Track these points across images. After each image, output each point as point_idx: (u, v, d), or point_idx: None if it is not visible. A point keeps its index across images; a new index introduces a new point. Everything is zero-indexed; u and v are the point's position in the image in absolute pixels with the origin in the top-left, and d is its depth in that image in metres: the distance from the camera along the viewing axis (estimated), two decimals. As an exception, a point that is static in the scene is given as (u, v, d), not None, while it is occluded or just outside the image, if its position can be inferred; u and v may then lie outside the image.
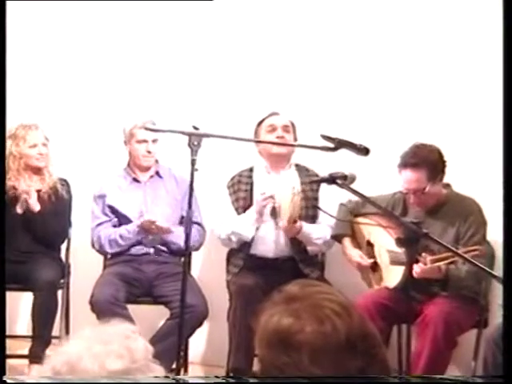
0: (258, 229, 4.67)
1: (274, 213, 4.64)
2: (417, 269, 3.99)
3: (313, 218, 4.70)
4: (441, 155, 4.30)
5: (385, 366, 1.76)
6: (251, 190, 4.75)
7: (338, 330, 1.71)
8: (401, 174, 4.30)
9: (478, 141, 4.70)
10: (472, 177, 4.63)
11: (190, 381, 2.17)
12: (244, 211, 4.71)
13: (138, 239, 4.79)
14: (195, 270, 4.96)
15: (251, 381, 1.86)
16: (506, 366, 2.64)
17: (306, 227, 4.61)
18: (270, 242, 4.69)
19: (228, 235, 4.70)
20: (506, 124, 3.00)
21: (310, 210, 4.70)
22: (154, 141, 4.81)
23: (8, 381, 1.88)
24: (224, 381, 2.00)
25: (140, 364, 1.76)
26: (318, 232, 4.66)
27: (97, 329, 1.82)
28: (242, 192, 4.75)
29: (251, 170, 4.82)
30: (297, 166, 4.80)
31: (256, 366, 1.73)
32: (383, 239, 4.37)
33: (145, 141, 4.80)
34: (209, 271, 5.00)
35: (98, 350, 1.75)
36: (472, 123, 4.72)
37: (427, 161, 4.24)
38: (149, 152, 4.83)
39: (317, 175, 4.71)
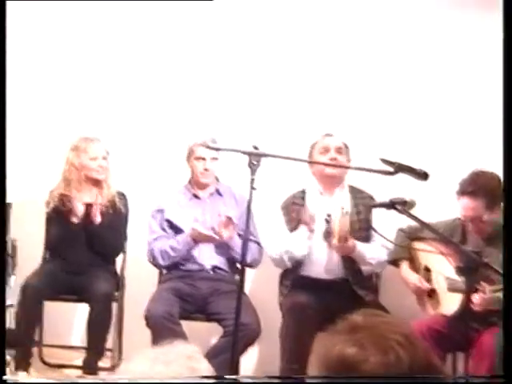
0: (310, 250, 4.66)
1: (327, 234, 4.63)
2: (476, 299, 3.94)
3: (367, 239, 4.69)
4: (500, 183, 4.25)
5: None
6: (304, 211, 4.73)
7: (402, 360, 1.70)
8: (459, 200, 4.27)
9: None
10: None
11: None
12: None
13: (193, 254, 4.81)
14: (249, 288, 4.96)
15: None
16: (506, 365, 2.61)
17: (360, 246, 4.60)
18: (322, 263, 4.68)
19: (280, 254, 4.70)
20: (505, 124, 2.97)
21: (363, 232, 4.68)
22: (213, 159, 4.83)
23: (8, 381, 1.89)
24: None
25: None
26: (371, 251, 4.64)
27: (160, 349, 1.84)
28: (295, 213, 4.74)
29: (304, 191, 4.82)
30: (351, 187, 4.79)
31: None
32: (441, 265, 4.33)
33: (203, 158, 4.84)
34: (262, 290, 4.99)
35: (160, 369, 1.76)
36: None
37: (486, 189, 4.19)
38: (206, 169, 4.86)
39: (371, 197, 4.70)
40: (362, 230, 4.69)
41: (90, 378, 1.60)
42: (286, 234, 4.72)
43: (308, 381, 1.72)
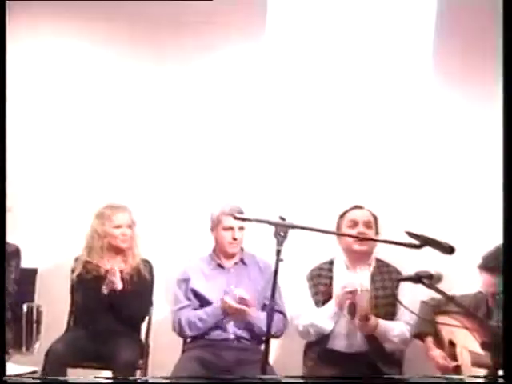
0: (336, 323, 4.67)
1: (351, 309, 4.63)
2: (500, 374, 3.92)
3: (392, 315, 4.69)
4: None
5: None
6: (331, 284, 4.75)
7: None
8: (481, 275, 4.29)
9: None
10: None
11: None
12: (323, 305, 4.71)
13: (218, 324, 4.82)
14: (273, 359, 4.95)
15: None
16: (505, 365, 2.59)
17: (383, 324, 4.59)
18: (346, 338, 4.68)
19: (306, 327, 4.71)
20: (505, 125, 2.98)
21: (389, 307, 4.68)
22: (241, 228, 4.87)
23: (8, 381, 1.90)
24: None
25: None
26: (395, 329, 4.63)
27: None
28: (321, 286, 4.76)
29: (331, 262, 4.84)
30: (377, 260, 4.80)
31: None
32: (465, 340, 4.31)
33: (231, 228, 4.87)
34: (287, 361, 4.98)
35: None
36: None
37: None
38: (234, 239, 4.89)
39: (398, 271, 4.70)
40: (388, 305, 4.69)
41: (91, 379, 1.61)
42: (312, 306, 4.73)
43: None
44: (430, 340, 4.56)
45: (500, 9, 3.48)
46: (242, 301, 4.71)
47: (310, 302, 4.76)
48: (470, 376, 3.83)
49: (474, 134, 5.07)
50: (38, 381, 1.65)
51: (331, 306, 4.64)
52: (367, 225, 4.73)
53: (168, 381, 1.81)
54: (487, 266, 4.23)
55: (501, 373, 2.75)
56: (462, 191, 4.98)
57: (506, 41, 3.20)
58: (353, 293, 4.57)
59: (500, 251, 4.26)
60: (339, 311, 4.62)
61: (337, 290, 4.65)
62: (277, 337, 4.81)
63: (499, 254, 4.24)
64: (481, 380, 3.42)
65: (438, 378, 1.66)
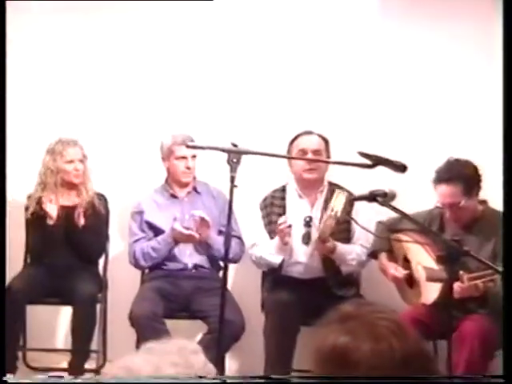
0: (291, 252, 4.69)
1: (306, 237, 4.66)
2: (456, 287, 4.00)
3: (347, 239, 4.73)
4: (476, 170, 4.32)
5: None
6: (284, 213, 4.75)
7: (394, 348, 1.74)
8: (436, 189, 4.33)
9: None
10: None
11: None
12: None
13: (169, 251, 4.83)
14: (231, 285, 4.98)
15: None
16: (506, 366, 2.65)
17: (340, 247, 4.64)
18: (303, 265, 4.71)
19: (258, 259, 4.75)
20: (505, 124, 3.01)
21: (343, 232, 4.72)
22: (193, 157, 4.85)
23: (8, 381, 1.91)
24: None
25: (196, 373, 1.80)
26: (352, 252, 4.68)
27: (157, 343, 1.87)
28: (274, 215, 4.76)
29: (284, 189, 4.84)
30: (329, 184, 4.81)
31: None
32: (420, 256, 4.38)
33: (184, 157, 4.85)
34: (245, 286, 5.02)
35: (155, 358, 1.79)
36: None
37: (462, 175, 4.27)
38: (188, 168, 4.87)
39: (350, 193, 4.72)
40: (342, 231, 4.71)
41: (91, 378, 1.62)
42: (265, 237, 4.75)
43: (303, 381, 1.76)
44: (383, 256, 4.62)
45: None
46: (202, 222, 4.70)
47: (263, 231, 4.78)
48: (470, 376, 3.89)
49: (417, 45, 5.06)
50: (39, 381, 1.64)
51: (278, 242, 4.66)
52: (316, 152, 4.70)
53: (172, 380, 1.81)
54: (442, 178, 4.27)
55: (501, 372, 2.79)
56: (409, 107, 4.97)
57: (506, 41, 3.18)
58: (310, 220, 4.59)
59: (452, 163, 4.32)
60: (284, 246, 4.63)
61: (286, 226, 4.64)
62: (235, 261, 4.84)
63: (452, 166, 4.30)
64: (480, 380, 3.48)
65: (438, 378, 1.69)
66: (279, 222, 4.59)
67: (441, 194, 4.32)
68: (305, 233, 4.65)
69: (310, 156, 4.69)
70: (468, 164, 4.33)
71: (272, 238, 4.73)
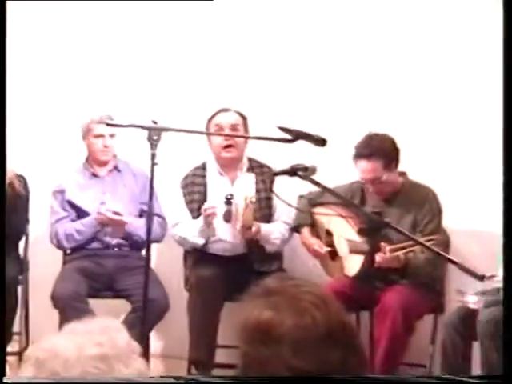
0: (212, 231, 4.69)
1: (227, 215, 4.64)
2: (377, 259, 4.05)
3: (269, 216, 4.74)
4: (394, 143, 4.38)
5: (363, 357, 1.82)
6: (205, 191, 4.75)
7: (318, 322, 1.75)
8: (356, 164, 4.38)
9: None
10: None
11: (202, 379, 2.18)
12: (198, 213, 4.70)
13: (96, 233, 4.80)
14: (154, 264, 4.96)
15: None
16: (506, 366, 2.69)
17: (264, 228, 4.64)
18: (225, 242, 4.72)
19: (180, 239, 4.74)
20: (505, 123, 3.04)
21: (265, 210, 4.73)
22: (112, 135, 4.80)
23: (8, 381, 1.89)
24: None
25: (120, 353, 1.78)
26: (275, 231, 4.69)
27: (81, 322, 1.85)
28: (195, 194, 4.75)
29: (204, 167, 4.82)
30: (250, 160, 4.81)
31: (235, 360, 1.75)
32: (342, 228, 4.44)
33: (102, 135, 4.79)
34: (168, 264, 5.01)
35: (79, 339, 1.78)
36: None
37: (381, 150, 4.32)
38: (106, 146, 4.82)
39: (271, 169, 4.73)
40: (264, 208, 4.73)
41: (92, 379, 1.60)
42: (186, 216, 4.74)
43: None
44: (306, 230, 4.66)
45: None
46: (116, 214, 4.69)
47: (185, 210, 4.76)
48: (469, 376, 3.93)
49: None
50: (39, 381, 1.60)
51: (200, 222, 4.65)
52: (234, 127, 4.69)
53: (175, 381, 1.79)
54: (362, 153, 4.32)
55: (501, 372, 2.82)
56: (330, 78, 4.98)
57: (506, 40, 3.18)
58: (231, 197, 4.60)
59: (371, 138, 4.36)
60: (208, 227, 4.63)
61: (210, 197, 4.65)
62: (157, 241, 4.82)
63: (371, 141, 4.34)
64: (479, 380, 3.50)
65: (439, 378, 1.69)
66: (205, 207, 4.58)
67: (362, 169, 4.36)
68: (226, 210, 4.64)
69: (227, 131, 4.67)
70: (386, 138, 4.38)
71: (193, 216, 4.72)
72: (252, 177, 4.63)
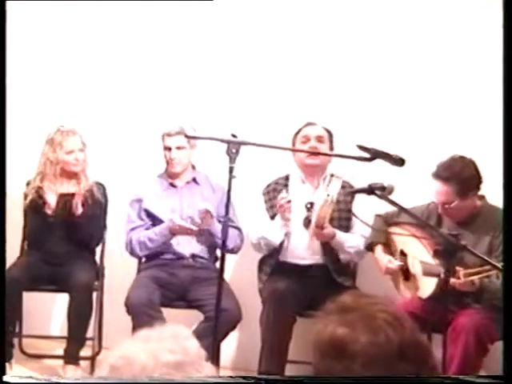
0: (290, 236, 4.72)
1: (307, 221, 4.68)
2: (452, 283, 4.01)
3: (347, 229, 4.75)
4: (477, 171, 4.29)
5: (436, 374, 1.82)
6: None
7: (391, 339, 1.76)
8: (433, 184, 4.34)
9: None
10: None
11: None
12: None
13: (167, 242, 4.85)
14: (229, 276, 5.00)
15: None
16: (506, 366, 2.66)
17: (339, 235, 4.66)
18: (302, 250, 4.73)
19: (258, 239, 4.76)
20: (506, 122, 3.02)
21: (343, 221, 4.74)
22: (179, 148, 4.85)
23: (8, 381, 1.92)
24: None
25: (192, 359, 1.82)
26: (350, 240, 4.70)
27: (153, 330, 1.89)
28: (276, 200, 4.79)
29: (287, 178, 4.87)
30: (332, 175, 4.82)
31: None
32: (417, 250, 4.40)
33: (169, 148, 4.87)
34: (242, 276, 5.04)
35: (152, 346, 1.81)
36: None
37: (460, 176, 4.24)
38: (171, 159, 4.88)
39: (351, 186, 4.74)
40: (342, 219, 4.74)
41: (92, 378, 1.62)
42: (265, 220, 4.78)
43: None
44: (379, 248, 4.64)
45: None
46: (206, 214, 4.72)
47: (265, 215, 4.79)
48: (470, 376, 3.91)
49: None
50: (39, 381, 1.65)
51: (277, 219, 4.69)
52: (319, 139, 4.74)
53: (244, 381, 1.83)
54: (440, 175, 4.28)
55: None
56: (409, 102, 4.97)
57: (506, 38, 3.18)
58: (311, 205, 4.60)
59: (455, 161, 4.31)
60: (285, 222, 4.66)
61: (285, 201, 4.66)
62: (234, 252, 4.86)
63: (453, 164, 4.29)
64: (480, 380, 3.47)
65: (439, 378, 1.70)
66: (279, 197, 4.62)
67: (435, 190, 4.33)
68: (305, 217, 4.68)
69: (312, 141, 4.72)
70: (470, 165, 4.29)
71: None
72: (337, 181, 4.61)
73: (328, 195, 4.44)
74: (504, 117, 3.22)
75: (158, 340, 1.84)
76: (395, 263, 4.51)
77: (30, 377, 1.09)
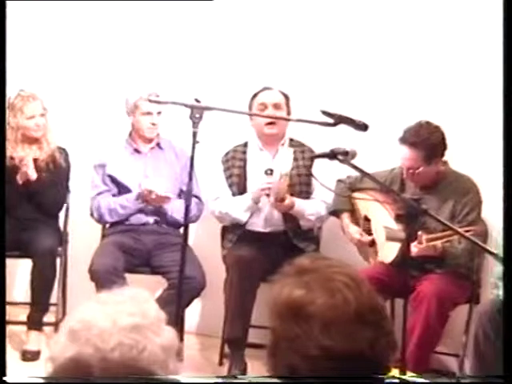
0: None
1: (268, 191, 4.66)
2: (413, 248, 4.04)
3: (307, 194, 4.76)
4: (443, 138, 4.32)
5: (392, 339, 1.82)
6: (245, 166, 4.79)
7: (349, 302, 1.76)
8: (399, 147, 4.35)
9: (478, 121, 4.71)
10: (471, 156, 4.67)
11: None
12: (238, 188, 4.75)
13: (137, 209, 4.83)
14: (193, 241, 4.99)
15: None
16: (506, 366, 2.67)
17: (299, 203, 4.66)
18: (263, 218, 4.74)
19: (223, 214, 4.76)
20: (506, 120, 3.01)
21: (304, 186, 4.75)
22: (159, 113, 4.84)
23: (8, 381, 1.90)
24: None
25: (151, 322, 1.81)
26: (311, 208, 4.71)
27: (111, 293, 1.88)
28: (235, 168, 4.78)
29: (245, 145, 4.85)
30: (291, 140, 4.81)
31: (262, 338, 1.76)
32: (380, 215, 4.42)
33: (150, 113, 4.83)
34: (206, 243, 5.04)
35: (111, 309, 1.80)
36: (472, 105, 4.73)
37: (427, 142, 4.26)
38: (153, 124, 4.86)
39: (311, 150, 4.74)
40: (303, 184, 4.75)
41: (94, 378, 1.61)
42: (228, 192, 4.76)
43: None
44: (346, 216, 4.65)
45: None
46: (152, 194, 4.72)
47: (224, 184, 4.78)
48: (468, 376, 3.94)
49: None
50: (38, 381, 1.63)
51: (247, 198, 4.68)
52: (276, 106, 4.71)
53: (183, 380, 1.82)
54: (407, 140, 4.29)
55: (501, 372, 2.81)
56: (377, 66, 4.95)
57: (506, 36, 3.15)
58: (271, 172, 4.62)
59: (422, 127, 4.32)
60: (255, 205, 4.67)
61: (250, 172, 4.67)
62: (192, 221, 4.85)
63: (420, 130, 4.30)
64: (480, 380, 3.49)
65: (438, 378, 1.70)
66: (264, 181, 4.61)
67: (402, 155, 4.34)
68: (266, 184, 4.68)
69: (270, 109, 4.70)
70: (437, 130, 4.32)
71: (232, 190, 4.76)
72: (290, 151, 4.63)
73: (283, 169, 4.47)
74: (504, 114, 3.13)
75: (116, 303, 1.83)
76: (367, 238, 4.53)
77: (30, 377, 1.08)
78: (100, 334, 1.75)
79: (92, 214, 4.92)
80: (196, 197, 4.82)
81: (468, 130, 4.71)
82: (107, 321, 1.77)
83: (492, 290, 4.20)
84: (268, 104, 4.71)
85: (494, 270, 4.21)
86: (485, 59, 4.63)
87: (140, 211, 4.85)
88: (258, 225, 4.75)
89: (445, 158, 4.43)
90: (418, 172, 4.32)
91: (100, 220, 4.92)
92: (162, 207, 4.83)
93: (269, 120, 4.68)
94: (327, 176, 4.52)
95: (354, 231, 4.59)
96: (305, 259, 1.87)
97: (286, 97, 4.76)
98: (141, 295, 1.88)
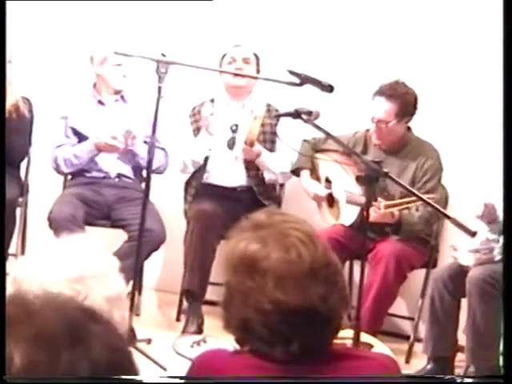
0: (215, 158, 4.73)
1: (232, 143, 4.70)
2: (371, 213, 4.07)
3: (271, 152, 4.77)
4: (416, 101, 4.37)
5: (344, 295, 1.85)
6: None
7: (303, 257, 1.78)
8: (373, 101, 4.37)
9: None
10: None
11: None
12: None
13: (92, 158, 4.79)
14: (154, 196, 4.98)
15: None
16: (506, 366, 2.70)
17: (265, 153, 4.69)
18: (226, 172, 4.76)
19: (183, 159, 4.77)
20: (506, 119, 3.02)
21: (268, 143, 4.77)
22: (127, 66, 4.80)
23: (8, 381, 1.91)
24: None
25: (99, 272, 1.81)
26: (275, 160, 4.74)
27: (57, 241, 1.88)
28: (201, 122, 4.77)
29: (212, 100, 4.84)
30: (258, 100, 4.83)
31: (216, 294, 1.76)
32: (341, 177, 4.45)
33: (120, 64, 4.79)
34: (167, 197, 5.04)
35: (56, 259, 1.80)
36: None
37: (402, 97, 4.33)
38: (124, 76, 4.83)
39: (276, 109, 4.75)
40: (267, 141, 4.76)
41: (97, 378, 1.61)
42: (190, 140, 4.77)
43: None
44: (306, 173, 4.67)
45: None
46: (128, 134, 4.67)
47: (190, 137, 4.78)
48: (469, 376, 3.95)
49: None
50: (38, 381, 1.62)
51: (202, 133, 4.68)
52: (245, 61, 4.76)
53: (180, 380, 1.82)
54: (384, 92, 4.32)
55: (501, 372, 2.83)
56: (345, 30, 4.94)
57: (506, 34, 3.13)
58: (236, 126, 4.64)
59: (399, 85, 4.35)
60: (209, 135, 4.66)
61: (206, 117, 4.66)
62: (160, 172, 4.84)
63: (397, 87, 4.33)
64: (480, 380, 3.51)
65: (439, 378, 1.70)
66: (203, 109, 4.62)
67: (376, 107, 4.36)
68: (230, 138, 4.70)
69: (239, 62, 4.74)
70: (412, 92, 4.38)
71: None
72: (263, 98, 4.63)
73: (252, 111, 4.52)
74: (504, 113, 3.13)
75: (62, 253, 1.83)
76: (324, 191, 4.56)
77: (30, 377, 1.08)
78: (40, 284, 1.74)
79: (52, 165, 4.89)
80: (162, 149, 4.81)
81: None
82: (49, 271, 1.77)
83: (450, 254, 4.25)
84: (237, 58, 4.75)
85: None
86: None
87: (101, 164, 4.82)
88: (220, 179, 4.77)
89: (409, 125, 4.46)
90: (388, 126, 4.34)
91: (57, 170, 4.89)
92: (129, 157, 4.81)
93: (237, 72, 4.69)
94: (293, 136, 4.55)
95: (312, 184, 4.62)
96: (261, 214, 1.88)
97: (256, 56, 4.80)
98: (91, 244, 1.88)
